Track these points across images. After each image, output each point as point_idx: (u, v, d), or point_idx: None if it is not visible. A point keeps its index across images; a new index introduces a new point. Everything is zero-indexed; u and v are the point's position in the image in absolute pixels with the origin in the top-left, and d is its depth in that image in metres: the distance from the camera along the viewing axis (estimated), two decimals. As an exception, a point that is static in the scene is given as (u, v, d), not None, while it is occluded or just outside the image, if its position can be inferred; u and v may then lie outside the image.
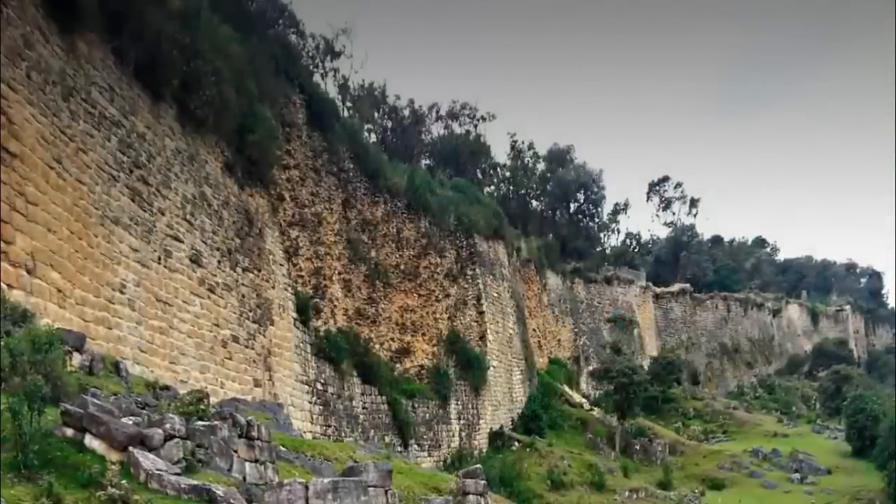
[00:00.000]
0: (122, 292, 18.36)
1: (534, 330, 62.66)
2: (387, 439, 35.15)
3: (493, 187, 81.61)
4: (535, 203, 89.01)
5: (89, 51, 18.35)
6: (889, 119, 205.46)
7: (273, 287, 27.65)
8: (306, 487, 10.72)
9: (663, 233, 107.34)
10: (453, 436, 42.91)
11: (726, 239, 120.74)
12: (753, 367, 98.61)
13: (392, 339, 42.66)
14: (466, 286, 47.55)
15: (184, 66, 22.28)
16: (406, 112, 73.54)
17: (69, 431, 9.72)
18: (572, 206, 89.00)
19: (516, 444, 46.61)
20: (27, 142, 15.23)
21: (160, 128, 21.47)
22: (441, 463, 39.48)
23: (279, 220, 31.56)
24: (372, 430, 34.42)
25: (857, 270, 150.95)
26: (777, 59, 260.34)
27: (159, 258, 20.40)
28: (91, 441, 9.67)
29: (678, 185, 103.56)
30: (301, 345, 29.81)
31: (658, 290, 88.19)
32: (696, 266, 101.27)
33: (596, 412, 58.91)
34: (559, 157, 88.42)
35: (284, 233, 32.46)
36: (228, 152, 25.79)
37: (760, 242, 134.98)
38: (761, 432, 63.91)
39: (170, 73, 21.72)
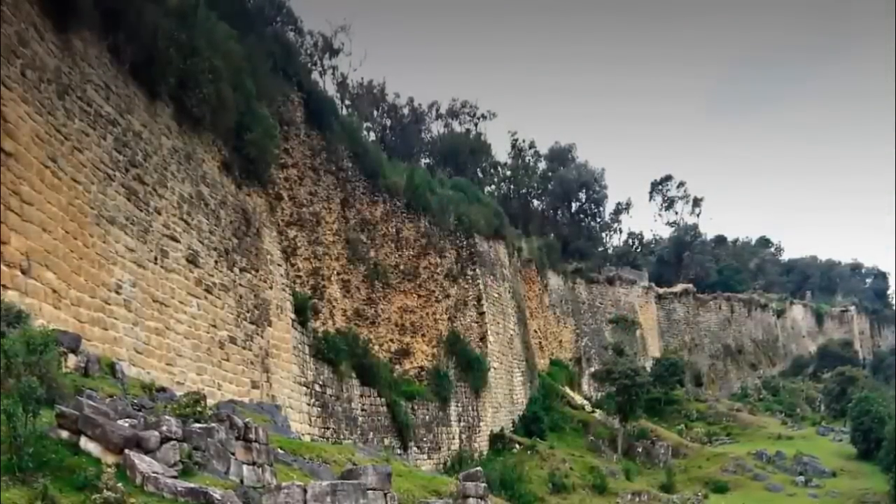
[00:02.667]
0: (118, 293, 18.16)
1: (535, 331, 62.46)
2: (386, 441, 34.95)
3: (493, 186, 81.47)
4: (536, 202, 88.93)
5: (85, 48, 18.15)
6: (889, 118, 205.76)
7: (271, 287, 27.43)
8: (304, 490, 10.53)
9: (666, 233, 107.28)
10: (453, 438, 42.69)
11: (730, 239, 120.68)
12: (757, 369, 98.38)
13: (391, 341, 42.43)
14: (467, 287, 47.36)
15: (180, 63, 22.07)
16: (405, 110, 73.51)
17: (64, 434, 9.57)
18: (574, 206, 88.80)
19: (517, 446, 46.42)
20: (22, 140, 15.04)
21: (156, 126, 21.26)
22: (441, 465, 39.29)
23: (277, 220, 31.33)
24: (371, 433, 34.22)
25: (863, 271, 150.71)
26: (779, 58, 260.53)
27: (156, 258, 20.18)
28: (86, 443, 9.52)
29: (681, 184, 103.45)
30: (299, 346, 29.60)
31: (661, 290, 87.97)
32: (700, 266, 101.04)
33: (598, 414, 58.73)
34: (560, 156, 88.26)
35: (282, 232, 32.22)
36: (226, 151, 25.58)
37: (764, 242, 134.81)
38: (765, 434, 63.66)
39: (166, 71, 21.52)
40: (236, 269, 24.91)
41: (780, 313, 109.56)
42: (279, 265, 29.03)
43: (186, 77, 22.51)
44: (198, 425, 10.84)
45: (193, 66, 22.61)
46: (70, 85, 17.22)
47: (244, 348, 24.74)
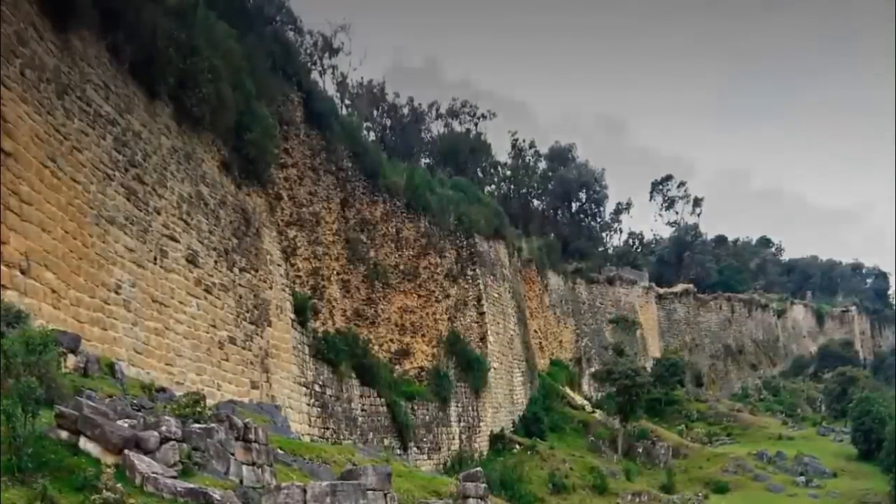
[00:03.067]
0: (117, 293, 18.11)
1: (535, 331, 62.37)
2: (386, 442, 34.93)
3: (493, 186, 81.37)
4: (536, 202, 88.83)
5: (84, 48, 18.11)
6: (890, 117, 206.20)
7: (271, 288, 27.38)
8: (304, 491, 10.49)
9: (666, 233, 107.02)
10: (453, 438, 42.66)
11: (730, 239, 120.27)
12: (758, 369, 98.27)
13: (391, 341, 42.38)
14: (467, 287, 47.30)
15: (180, 63, 22.04)
16: (405, 110, 73.38)
17: (64, 434, 9.54)
18: (574, 206, 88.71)
19: (517, 446, 46.39)
20: (21, 140, 15.01)
21: (156, 126, 21.22)
22: (441, 466, 39.25)
23: (277, 220, 31.27)
24: (371, 433, 34.19)
25: (863, 271, 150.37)
26: (779, 58, 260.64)
27: (155, 258, 20.14)
28: (86, 444, 9.49)
29: (681, 184, 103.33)
30: (299, 346, 29.55)
31: (661, 290, 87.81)
32: (700, 266, 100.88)
33: (598, 414, 58.71)
34: (561, 156, 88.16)
35: (282, 232, 32.14)
36: (225, 151, 25.53)
37: (765, 242, 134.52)
38: (766, 435, 63.55)
39: (166, 70, 21.49)
40: (236, 269, 24.85)
41: (780, 313, 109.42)
42: (279, 265, 28.99)
43: (186, 77, 22.48)
44: (197, 426, 10.82)
45: (193, 65, 22.57)
46: (69, 84, 17.18)
47: (244, 348, 24.70)
